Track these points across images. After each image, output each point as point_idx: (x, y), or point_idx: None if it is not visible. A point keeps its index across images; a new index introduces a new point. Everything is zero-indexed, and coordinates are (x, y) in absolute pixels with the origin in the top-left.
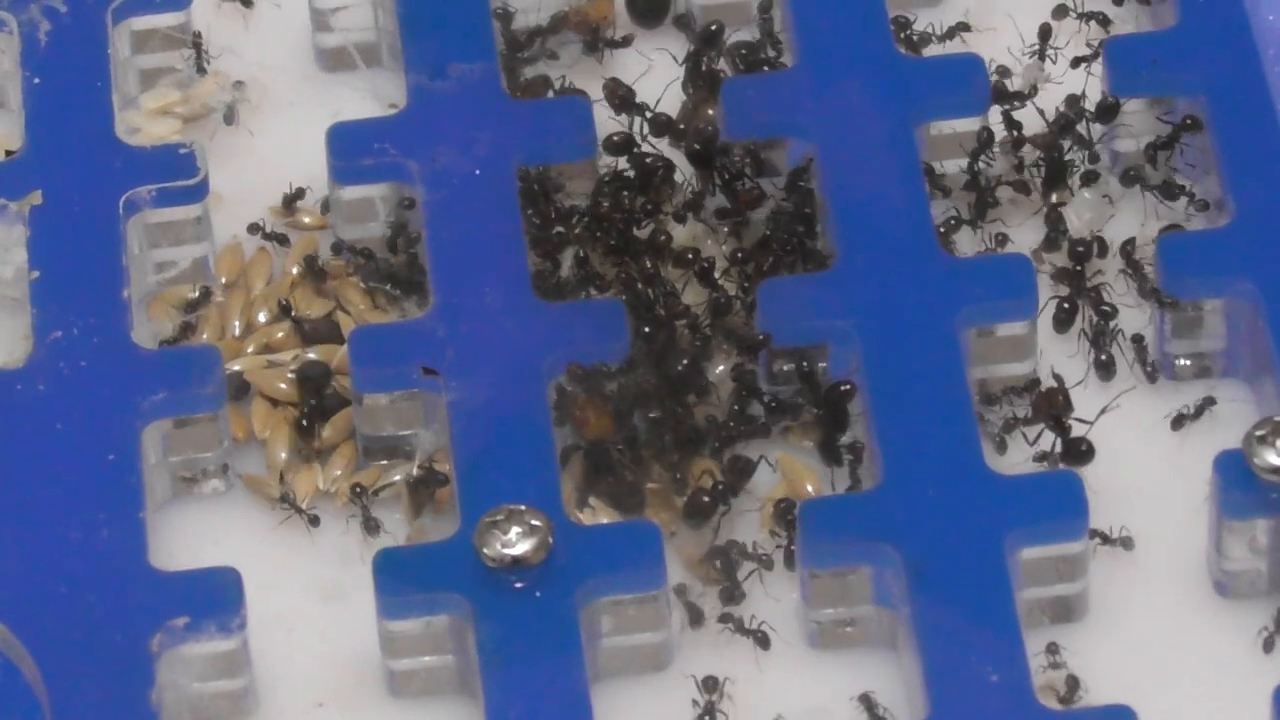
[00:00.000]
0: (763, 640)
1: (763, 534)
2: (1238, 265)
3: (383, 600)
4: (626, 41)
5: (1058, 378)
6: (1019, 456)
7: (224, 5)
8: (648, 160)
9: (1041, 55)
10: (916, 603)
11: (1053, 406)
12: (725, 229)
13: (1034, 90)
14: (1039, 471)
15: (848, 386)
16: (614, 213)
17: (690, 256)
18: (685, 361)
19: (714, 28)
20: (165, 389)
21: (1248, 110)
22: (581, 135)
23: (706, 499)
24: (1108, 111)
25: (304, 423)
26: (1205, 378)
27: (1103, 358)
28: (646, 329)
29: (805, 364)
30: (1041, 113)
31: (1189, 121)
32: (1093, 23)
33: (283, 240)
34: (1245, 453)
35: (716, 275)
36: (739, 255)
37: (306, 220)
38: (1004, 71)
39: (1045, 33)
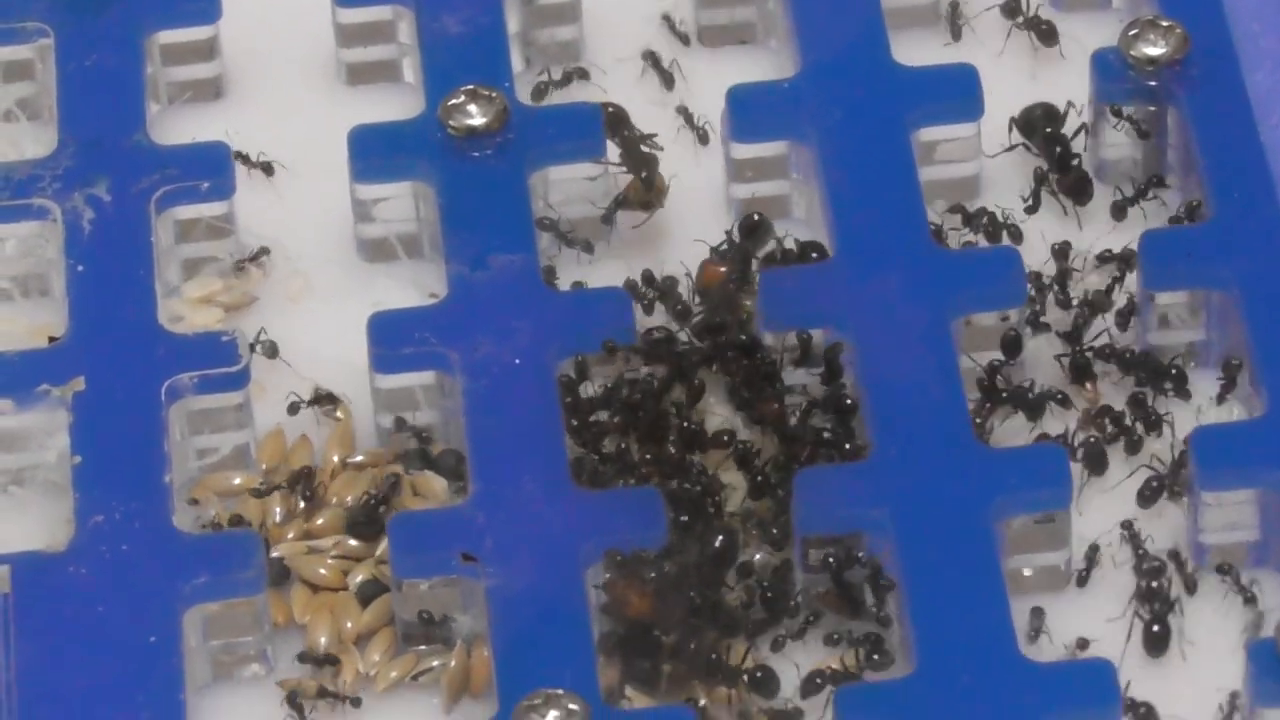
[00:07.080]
0: None
1: None
2: (1273, 457)
3: None
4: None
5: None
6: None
7: (266, 194)
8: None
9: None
10: None
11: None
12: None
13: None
14: (1072, 660)
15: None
16: (646, 404)
17: (726, 438)
18: (720, 541)
19: (756, 218)
20: (206, 573)
21: None
22: (619, 326)
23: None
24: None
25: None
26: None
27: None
28: (678, 512)
29: (834, 561)
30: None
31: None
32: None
33: (331, 400)
34: (1278, 643)
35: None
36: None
37: (339, 415)
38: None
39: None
